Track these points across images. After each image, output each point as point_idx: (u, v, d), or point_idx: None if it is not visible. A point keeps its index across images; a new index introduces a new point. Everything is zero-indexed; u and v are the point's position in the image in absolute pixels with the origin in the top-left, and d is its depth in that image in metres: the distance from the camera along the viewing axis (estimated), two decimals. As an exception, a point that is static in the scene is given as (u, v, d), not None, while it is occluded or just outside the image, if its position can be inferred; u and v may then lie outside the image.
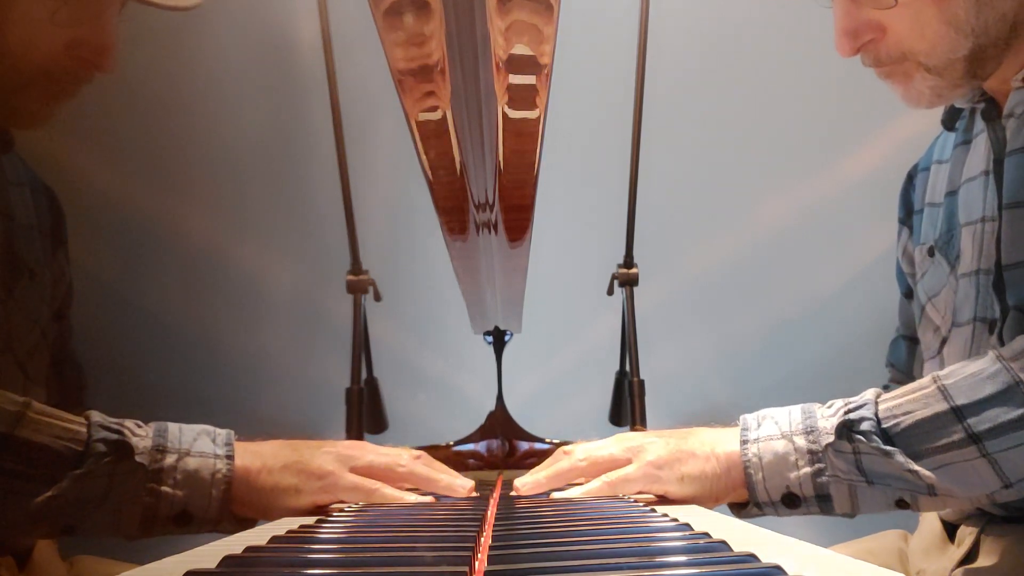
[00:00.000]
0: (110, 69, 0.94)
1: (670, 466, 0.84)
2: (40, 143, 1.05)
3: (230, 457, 0.81)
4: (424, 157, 0.71)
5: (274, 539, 0.54)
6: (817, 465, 0.80)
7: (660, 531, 0.56)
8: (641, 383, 1.24)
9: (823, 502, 0.81)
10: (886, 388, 0.86)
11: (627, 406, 1.25)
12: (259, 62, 1.56)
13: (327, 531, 0.60)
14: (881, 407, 0.80)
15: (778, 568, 0.41)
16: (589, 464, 0.86)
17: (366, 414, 1.27)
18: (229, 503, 0.80)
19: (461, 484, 0.87)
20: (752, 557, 0.43)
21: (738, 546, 0.46)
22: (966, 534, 0.93)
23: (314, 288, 1.59)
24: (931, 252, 0.98)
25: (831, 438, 0.80)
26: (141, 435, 0.78)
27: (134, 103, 1.51)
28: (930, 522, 1.01)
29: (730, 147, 1.61)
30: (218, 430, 0.83)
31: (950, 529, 0.98)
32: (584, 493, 0.84)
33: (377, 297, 1.30)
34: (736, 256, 1.63)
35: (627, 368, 1.26)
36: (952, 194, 0.96)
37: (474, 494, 0.87)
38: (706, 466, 0.84)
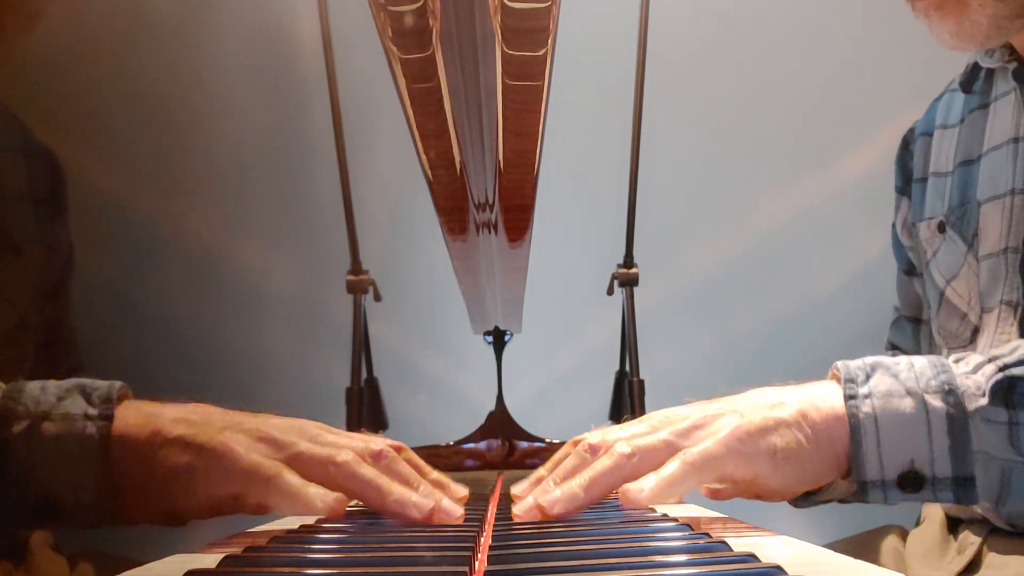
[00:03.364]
0: None
1: (755, 438, 0.62)
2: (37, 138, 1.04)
3: (107, 418, 0.59)
4: (424, 157, 0.71)
5: (274, 539, 0.54)
6: (960, 437, 0.60)
7: (660, 531, 0.56)
8: (641, 383, 1.24)
9: (961, 487, 0.61)
10: None
11: (627, 406, 1.25)
12: (259, 62, 1.56)
13: (327, 531, 0.60)
14: None
15: (778, 568, 0.41)
16: (640, 458, 0.62)
17: (366, 414, 1.27)
18: (114, 486, 0.59)
19: (420, 501, 0.60)
20: (752, 557, 0.43)
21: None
22: (968, 542, 0.89)
23: (314, 288, 1.59)
24: (941, 228, 0.90)
25: (983, 401, 0.60)
26: None
27: (134, 103, 1.51)
28: (932, 518, 0.97)
29: (730, 147, 1.61)
30: (99, 383, 0.62)
31: (952, 523, 0.94)
32: (662, 482, 0.60)
33: (377, 297, 1.30)
34: (736, 256, 1.63)
35: (627, 368, 1.26)
36: (967, 164, 0.88)
37: (451, 510, 0.62)
38: (800, 436, 0.62)
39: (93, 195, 1.46)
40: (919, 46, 0.88)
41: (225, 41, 1.52)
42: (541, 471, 0.68)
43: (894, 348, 1.05)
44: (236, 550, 0.49)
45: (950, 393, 0.61)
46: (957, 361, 0.64)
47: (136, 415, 0.61)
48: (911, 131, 1.01)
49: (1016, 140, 0.83)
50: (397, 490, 0.61)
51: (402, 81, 0.59)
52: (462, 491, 0.67)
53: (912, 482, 0.62)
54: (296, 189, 1.59)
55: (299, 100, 1.55)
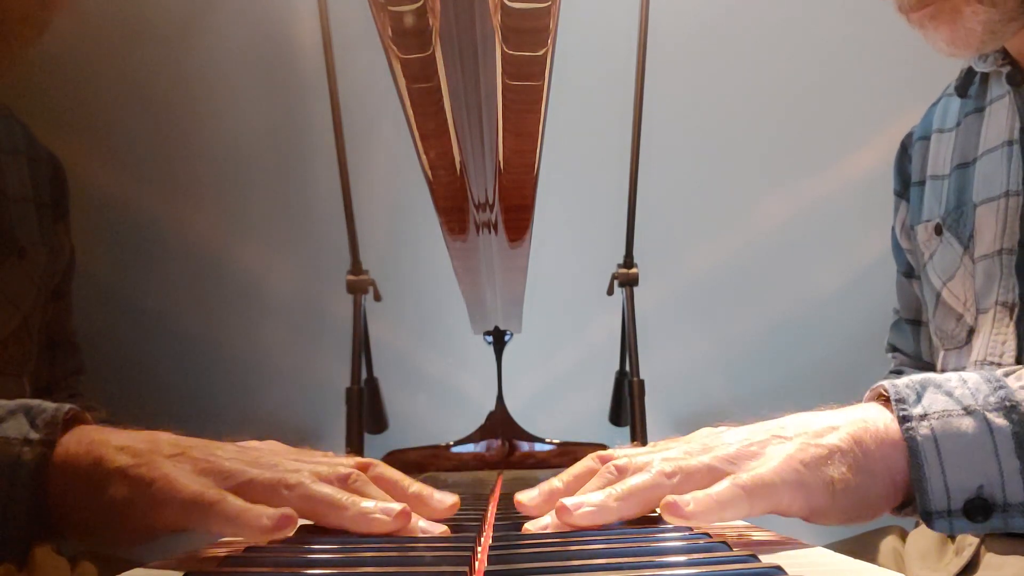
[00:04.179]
0: (64, 6, 0.82)
1: (812, 469, 0.56)
2: (41, 142, 1.04)
3: (48, 444, 0.55)
4: (424, 157, 0.71)
5: (274, 539, 0.54)
6: None
7: (660, 531, 0.56)
8: (641, 383, 1.24)
9: None
10: (896, 374, 0.80)
11: (627, 406, 1.25)
12: (260, 62, 1.56)
13: (327, 531, 0.60)
14: None
15: (778, 568, 0.41)
16: (681, 479, 0.56)
17: (366, 414, 1.27)
18: (51, 514, 0.55)
19: (384, 507, 0.55)
20: (752, 557, 0.43)
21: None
22: (966, 543, 0.88)
23: (314, 288, 1.59)
24: (938, 230, 0.90)
25: None
26: None
27: (135, 103, 1.51)
28: None
29: (730, 147, 1.61)
30: (48, 404, 0.58)
31: None
32: (710, 499, 0.54)
33: (377, 297, 1.30)
34: (736, 256, 1.63)
35: (627, 368, 1.26)
36: (963, 167, 0.89)
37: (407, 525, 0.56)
38: (855, 465, 0.56)
39: (94, 195, 1.46)
40: (918, 49, 0.89)
41: (225, 42, 1.52)
42: (555, 482, 0.62)
43: (895, 350, 1.05)
44: (236, 551, 0.49)
45: (1013, 409, 0.56)
46: (1007, 375, 0.60)
47: (79, 442, 0.57)
48: (909, 136, 1.01)
49: (1011, 143, 0.84)
50: (355, 502, 0.56)
51: (402, 81, 0.59)
52: (449, 499, 0.61)
53: (981, 509, 0.56)
54: (296, 189, 1.59)
55: (299, 100, 1.55)
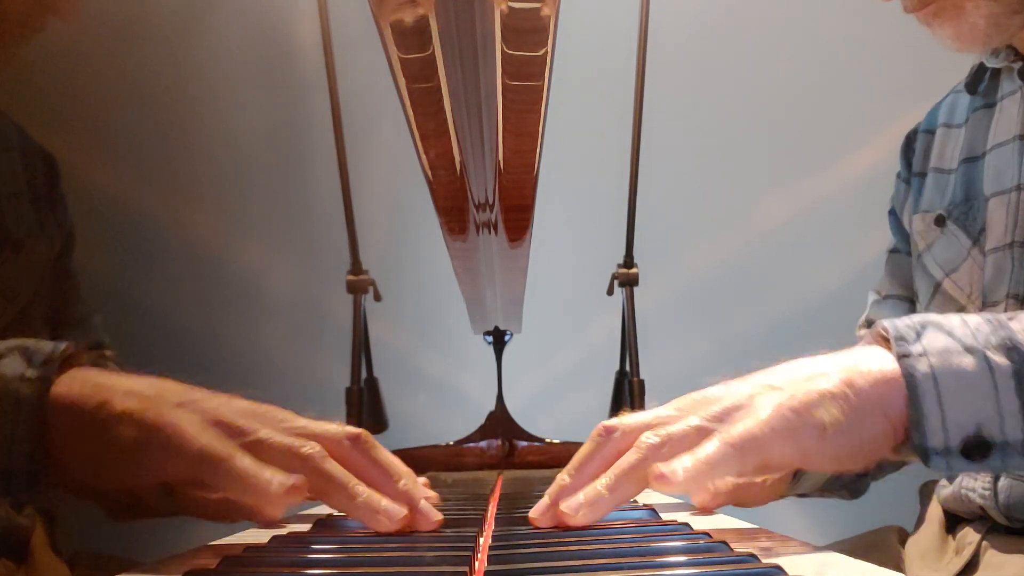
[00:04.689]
0: (68, 17, 0.81)
1: (801, 415, 0.55)
2: (41, 142, 1.04)
3: (45, 380, 0.55)
4: (424, 157, 0.71)
5: (274, 539, 0.54)
6: None
7: (660, 531, 0.56)
8: (641, 383, 1.24)
9: None
10: None
11: (627, 406, 1.25)
12: (260, 62, 1.56)
13: (327, 531, 0.60)
14: None
15: (778, 568, 0.41)
16: (671, 448, 0.55)
17: (366, 414, 1.27)
18: (54, 452, 0.55)
19: (390, 508, 0.54)
20: (752, 557, 0.43)
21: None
22: (966, 542, 0.89)
23: (314, 288, 1.59)
24: (939, 221, 0.91)
25: None
26: None
27: (136, 103, 1.51)
28: (931, 518, 0.98)
29: (730, 147, 1.61)
30: (44, 344, 0.58)
31: (951, 523, 0.94)
32: (700, 463, 0.53)
33: (377, 297, 1.30)
34: (736, 256, 1.63)
35: (627, 368, 1.26)
36: (971, 160, 0.90)
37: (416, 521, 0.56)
38: (847, 407, 0.55)
39: (94, 195, 1.47)
40: (918, 49, 0.89)
41: (225, 41, 1.52)
42: (564, 477, 0.59)
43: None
44: (235, 551, 0.49)
45: (1014, 349, 0.55)
46: (1011, 319, 0.58)
47: (84, 384, 0.56)
48: (914, 130, 1.02)
49: (1021, 137, 0.84)
50: (366, 493, 0.54)
51: (402, 81, 0.59)
52: (435, 517, 0.57)
53: (979, 447, 0.55)
54: (296, 189, 1.59)
55: (299, 100, 1.55)
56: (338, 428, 0.58)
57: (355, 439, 0.57)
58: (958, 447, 0.55)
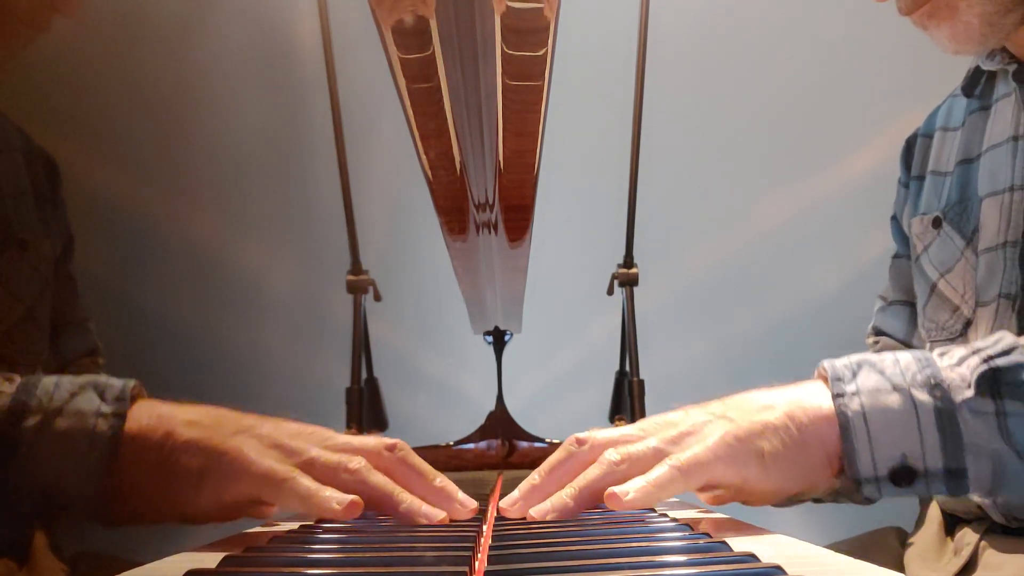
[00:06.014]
0: (72, 13, 0.82)
1: (744, 443, 0.62)
2: (41, 142, 1.04)
3: (119, 416, 0.59)
4: (424, 157, 0.71)
5: (274, 539, 0.54)
6: (950, 429, 0.61)
7: (660, 531, 0.56)
8: (641, 383, 1.24)
9: (953, 479, 0.61)
10: None
11: (627, 406, 1.25)
12: (260, 62, 1.56)
13: (327, 531, 0.60)
14: None
15: (778, 568, 0.41)
16: (629, 466, 0.62)
17: (366, 414, 1.27)
18: (123, 485, 0.59)
19: (430, 512, 0.61)
20: (752, 557, 0.43)
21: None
22: (964, 542, 0.89)
23: (314, 288, 1.59)
24: (936, 223, 0.92)
25: (968, 393, 0.61)
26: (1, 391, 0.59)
27: (136, 103, 1.51)
28: (930, 518, 0.98)
29: (730, 147, 1.61)
30: (114, 381, 0.62)
31: (950, 524, 0.94)
32: (649, 485, 0.60)
33: (377, 297, 1.30)
34: (736, 256, 1.63)
35: (627, 368, 1.26)
36: (967, 162, 0.90)
37: (462, 515, 0.63)
38: (788, 438, 0.62)
39: (94, 195, 1.47)
40: (918, 49, 0.89)
41: (226, 42, 1.52)
42: (534, 477, 0.66)
43: (881, 334, 1.05)
44: (236, 551, 0.49)
45: (936, 387, 0.62)
46: (941, 355, 0.65)
47: (149, 416, 0.61)
48: (913, 135, 1.03)
49: (1016, 138, 0.85)
50: (408, 499, 0.61)
51: (402, 81, 0.59)
52: (471, 504, 0.64)
53: (905, 476, 0.62)
54: (296, 189, 1.59)
55: (299, 100, 1.55)
56: (376, 441, 0.65)
57: (392, 448, 0.64)
58: (887, 476, 0.62)
